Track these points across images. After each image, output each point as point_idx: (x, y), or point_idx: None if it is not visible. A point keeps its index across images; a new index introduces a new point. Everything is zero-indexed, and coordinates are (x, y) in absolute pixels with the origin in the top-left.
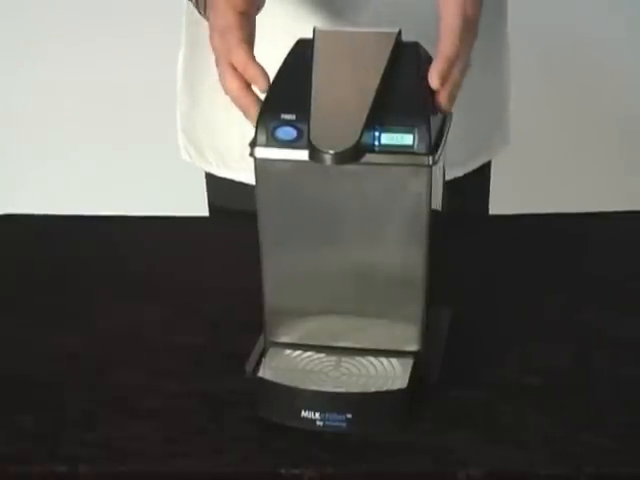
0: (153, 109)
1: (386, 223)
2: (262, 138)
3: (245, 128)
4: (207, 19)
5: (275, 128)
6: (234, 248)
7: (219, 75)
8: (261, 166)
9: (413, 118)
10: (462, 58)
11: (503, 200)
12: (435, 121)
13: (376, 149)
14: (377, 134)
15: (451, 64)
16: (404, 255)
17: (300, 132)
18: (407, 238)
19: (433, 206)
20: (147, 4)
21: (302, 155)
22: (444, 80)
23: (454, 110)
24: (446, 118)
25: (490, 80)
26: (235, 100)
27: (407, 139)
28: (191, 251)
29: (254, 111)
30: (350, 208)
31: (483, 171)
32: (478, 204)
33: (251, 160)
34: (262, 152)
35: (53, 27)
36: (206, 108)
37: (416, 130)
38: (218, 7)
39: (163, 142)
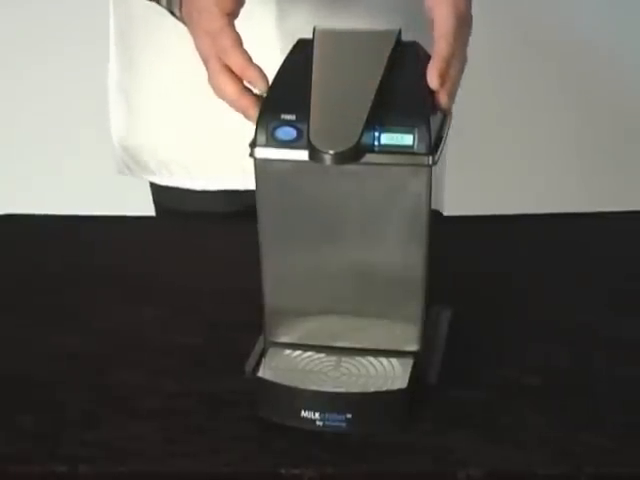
0: None
1: (386, 223)
2: (262, 138)
3: (183, 132)
4: (182, 20)
5: (275, 128)
6: (233, 248)
7: (211, 78)
8: (261, 166)
9: (413, 118)
10: (458, 56)
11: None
12: (435, 121)
13: (376, 149)
14: (377, 134)
15: (448, 63)
16: (404, 255)
17: (300, 132)
18: (407, 238)
19: (433, 206)
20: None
21: (302, 155)
22: (443, 80)
23: None
24: (445, 118)
25: None
26: (233, 102)
27: (407, 139)
28: (191, 251)
29: (254, 111)
30: (350, 208)
31: None
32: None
33: (193, 165)
34: (262, 152)
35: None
36: (145, 116)
37: (416, 130)
38: (204, 10)
39: None
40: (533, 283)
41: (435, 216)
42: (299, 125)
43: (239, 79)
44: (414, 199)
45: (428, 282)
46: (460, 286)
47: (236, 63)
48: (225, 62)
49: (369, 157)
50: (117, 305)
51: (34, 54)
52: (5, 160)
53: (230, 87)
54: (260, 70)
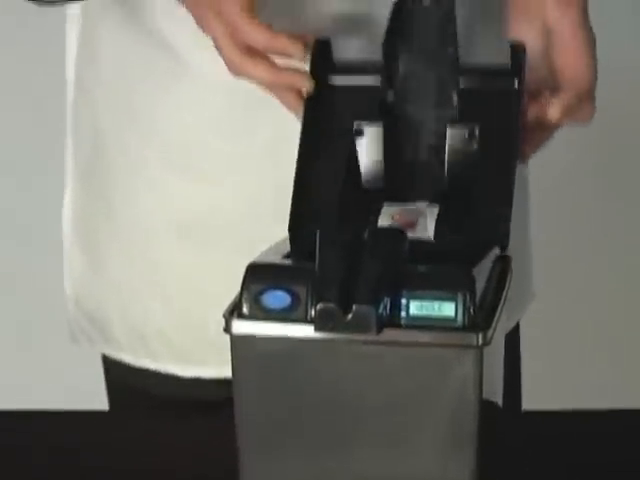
0: None
1: (416, 423)
2: (244, 306)
3: (172, 296)
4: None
5: (261, 292)
6: (211, 445)
7: (232, 68)
8: (240, 344)
9: (454, 278)
10: (554, 122)
11: None
12: (483, 280)
13: (402, 322)
14: (404, 302)
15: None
16: (442, 469)
17: (296, 298)
18: (447, 445)
19: (485, 396)
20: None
21: (300, 331)
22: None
23: None
24: (507, 275)
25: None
26: (272, 84)
27: (447, 309)
28: (155, 448)
29: (305, 80)
30: (365, 401)
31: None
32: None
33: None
34: (242, 326)
35: None
36: (114, 269)
37: (459, 296)
38: None
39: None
40: None
41: (489, 412)
42: (294, 288)
43: (266, 56)
44: (457, 389)
45: None
46: None
47: (256, 40)
48: (241, 41)
49: (391, 334)
50: None
51: None
52: None
53: (262, 71)
54: (288, 36)
